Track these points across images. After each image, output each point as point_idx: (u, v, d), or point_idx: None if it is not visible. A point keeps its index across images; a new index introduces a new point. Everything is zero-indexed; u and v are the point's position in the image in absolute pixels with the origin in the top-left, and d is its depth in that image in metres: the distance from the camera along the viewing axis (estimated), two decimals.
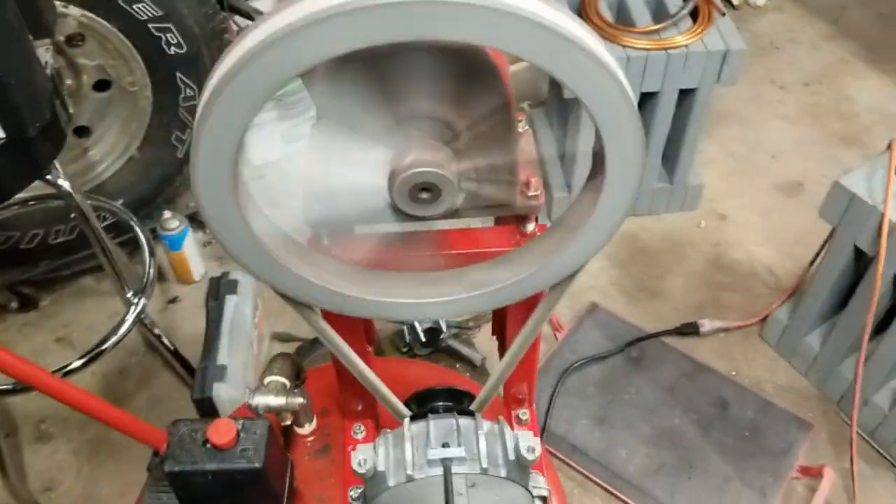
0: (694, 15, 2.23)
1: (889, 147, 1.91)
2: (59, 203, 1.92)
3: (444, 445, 0.81)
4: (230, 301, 2.06)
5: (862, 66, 3.17)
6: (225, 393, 1.85)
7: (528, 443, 0.79)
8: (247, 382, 1.95)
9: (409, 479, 0.81)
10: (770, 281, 2.47)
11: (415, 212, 0.69)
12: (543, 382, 2.16)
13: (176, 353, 2.08)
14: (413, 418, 0.86)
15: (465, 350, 2.26)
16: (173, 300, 2.45)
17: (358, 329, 0.92)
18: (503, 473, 0.82)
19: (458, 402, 0.91)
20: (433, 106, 0.69)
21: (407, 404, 0.92)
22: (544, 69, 0.60)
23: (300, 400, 0.98)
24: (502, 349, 1.07)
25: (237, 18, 2.57)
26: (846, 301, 2.07)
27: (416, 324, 2.24)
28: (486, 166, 0.73)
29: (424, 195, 0.68)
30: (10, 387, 1.72)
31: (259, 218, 0.66)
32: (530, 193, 0.81)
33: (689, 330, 2.31)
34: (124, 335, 1.84)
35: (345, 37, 0.54)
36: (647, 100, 2.35)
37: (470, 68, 0.69)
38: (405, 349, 2.27)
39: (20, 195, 2.11)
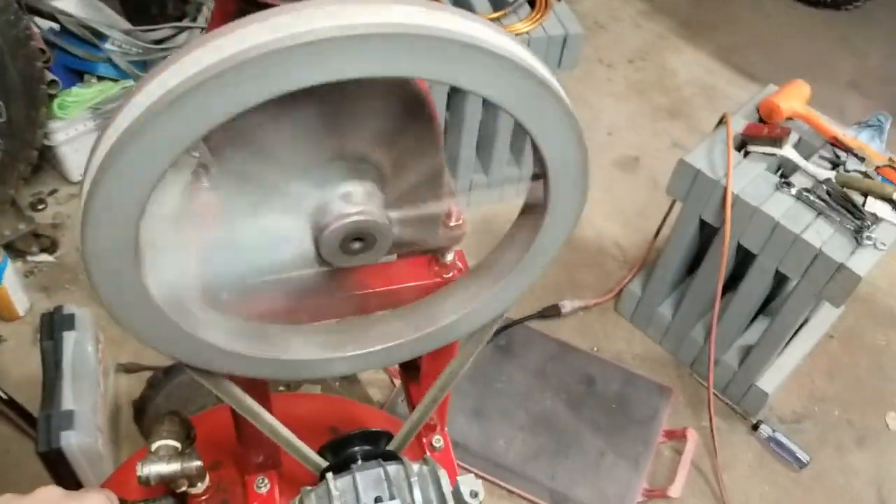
0: (531, 2, 2.25)
1: (722, 121, 2.02)
2: None
3: (378, 500, 0.75)
4: (68, 338, 1.86)
5: (679, 41, 3.36)
6: (76, 441, 1.67)
7: (471, 487, 0.74)
8: (98, 426, 1.77)
9: None
10: (618, 255, 2.57)
11: (343, 263, 0.62)
12: None
13: (10, 402, 1.85)
14: (331, 469, 0.80)
15: None
16: None
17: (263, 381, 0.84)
18: None
19: (376, 444, 0.85)
20: (360, 146, 0.62)
21: (321, 454, 0.85)
22: (483, 96, 0.55)
23: (197, 463, 0.88)
24: (410, 394, 1.02)
25: (38, 20, 2.31)
26: (693, 270, 2.19)
27: None
28: (415, 209, 0.67)
29: (356, 245, 0.61)
30: None
31: (160, 284, 0.57)
32: (452, 224, 0.75)
33: (551, 312, 2.36)
34: None
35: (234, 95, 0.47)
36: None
37: (401, 101, 0.62)
38: None
39: None
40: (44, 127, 2.20)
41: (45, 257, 2.35)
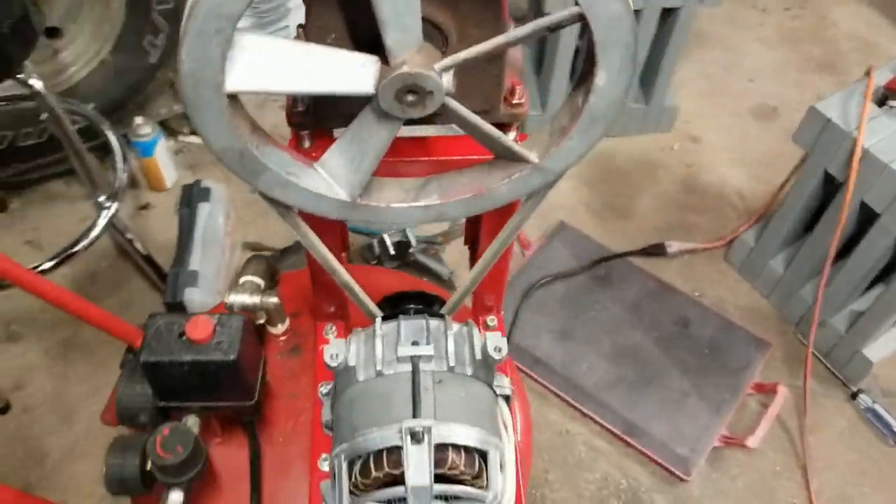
0: None
1: (867, 73, 1.92)
2: (28, 105, 1.88)
3: (414, 344, 0.83)
4: (203, 208, 2.06)
5: None
6: (197, 298, 1.87)
7: (496, 343, 0.81)
8: (218, 288, 1.96)
9: (379, 374, 0.84)
10: (738, 204, 2.51)
11: (400, 114, 0.69)
12: (509, 298, 2.21)
13: (148, 259, 2.08)
14: (384, 319, 0.89)
15: (433, 264, 2.29)
16: (145, 207, 2.43)
17: (335, 232, 0.93)
18: (469, 372, 0.85)
19: (429, 305, 0.93)
20: (425, 6, 0.67)
21: (379, 307, 0.94)
22: None
23: (273, 300, 1.00)
24: (473, 258, 1.09)
25: None
26: (812, 226, 2.12)
27: (386, 237, 2.26)
28: (474, 72, 0.72)
29: (411, 97, 0.67)
30: None
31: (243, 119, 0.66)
32: (514, 101, 0.80)
33: (655, 251, 2.35)
34: (95, 238, 1.84)
35: None
36: None
37: None
38: (374, 262, 2.29)
39: None
40: None
41: (194, 139, 2.57)
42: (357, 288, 0.90)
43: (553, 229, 2.40)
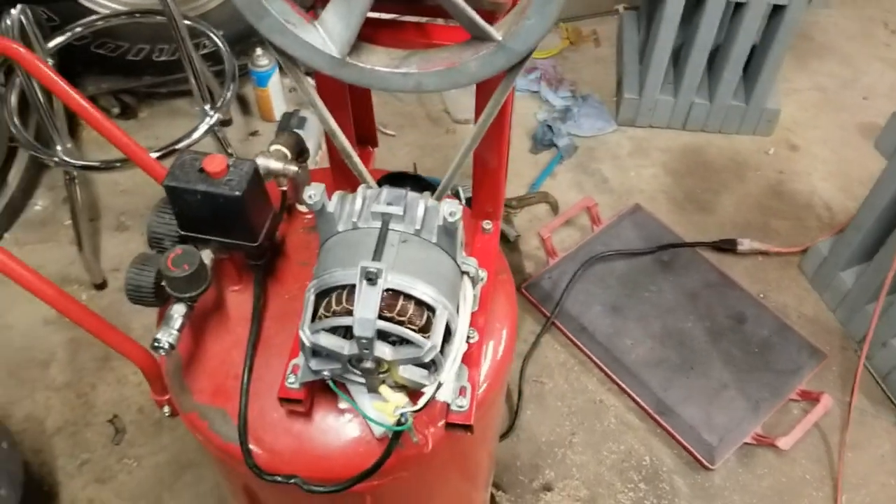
0: None
1: None
2: (164, 21, 2.11)
3: (389, 203, 0.94)
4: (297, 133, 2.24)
5: None
6: None
7: (451, 209, 0.91)
8: None
9: (354, 226, 0.95)
10: (824, 216, 2.46)
11: None
12: (568, 266, 2.27)
13: None
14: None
15: (501, 224, 2.37)
16: (254, 133, 2.66)
17: (343, 107, 1.06)
18: (433, 240, 0.95)
19: (423, 190, 1.04)
20: None
21: (379, 183, 1.05)
22: None
23: (294, 168, 1.14)
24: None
25: None
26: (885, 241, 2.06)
27: (461, 190, 2.37)
28: None
29: None
30: (98, 164, 1.97)
31: None
32: None
33: (726, 246, 2.34)
34: (196, 140, 2.05)
35: None
36: (736, 10, 2.34)
37: None
38: None
39: (122, 7, 2.34)
40: None
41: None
42: (355, 156, 1.02)
43: (626, 210, 2.43)
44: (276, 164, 1.13)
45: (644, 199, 2.48)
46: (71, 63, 2.39)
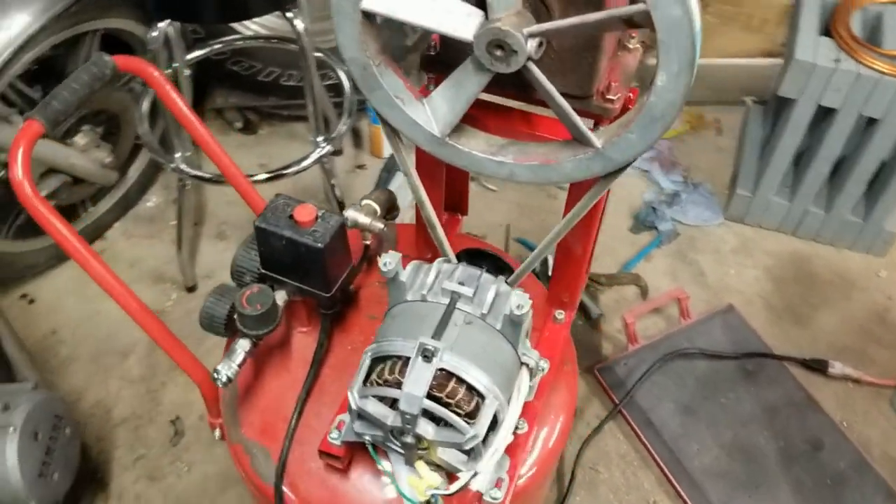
0: None
1: None
2: (294, 49, 2.20)
3: (460, 284, 0.94)
4: (398, 177, 2.29)
5: None
6: None
7: (519, 301, 0.90)
8: None
9: (423, 298, 0.96)
10: None
11: (489, 65, 0.80)
12: (647, 355, 2.21)
13: (341, 205, 2.35)
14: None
15: (586, 299, 2.34)
16: (361, 166, 2.73)
17: (437, 181, 1.08)
18: (498, 326, 0.94)
19: (499, 271, 1.03)
20: None
21: (458, 257, 1.06)
22: None
23: (381, 225, 1.15)
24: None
25: None
26: None
27: (550, 256, 2.35)
28: (570, 56, 0.81)
29: (499, 52, 0.78)
30: (210, 176, 2.05)
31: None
32: (608, 96, 0.88)
33: (817, 366, 2.22)
34: (304, 168, 2.12)
35: None
36: (868, 125, 2.25)
37: None
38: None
39: (264, 31, 2.45)
40: None
41: None
42: (439, 228, 1.02)
43: (719, 309, 2.35)
44: (364, 219, 1.16)
45: (740, 300, 2.39)
46: (206, 74, 2.53)
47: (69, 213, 2.37)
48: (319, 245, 1.00)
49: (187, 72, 2.22)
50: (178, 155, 2.04)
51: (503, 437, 0.95)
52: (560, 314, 1.16)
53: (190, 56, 2.22)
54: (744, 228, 2.60)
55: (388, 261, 0.93)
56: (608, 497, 2.02)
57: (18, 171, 1.00)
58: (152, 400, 2.18)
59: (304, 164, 2.12)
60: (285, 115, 2.77)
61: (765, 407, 2.14)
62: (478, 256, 1.09)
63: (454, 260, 1.05)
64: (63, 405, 1.64)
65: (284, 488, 1.07)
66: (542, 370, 1.07)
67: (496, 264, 1.07)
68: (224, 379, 1.03)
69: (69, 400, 2.15)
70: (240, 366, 1.04)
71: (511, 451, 1.02)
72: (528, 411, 1.06)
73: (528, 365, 0.98)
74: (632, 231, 2.60)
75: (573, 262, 1.09)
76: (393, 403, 0.92)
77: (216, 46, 2.29)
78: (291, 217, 1.02)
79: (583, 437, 2.10)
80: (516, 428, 1.04)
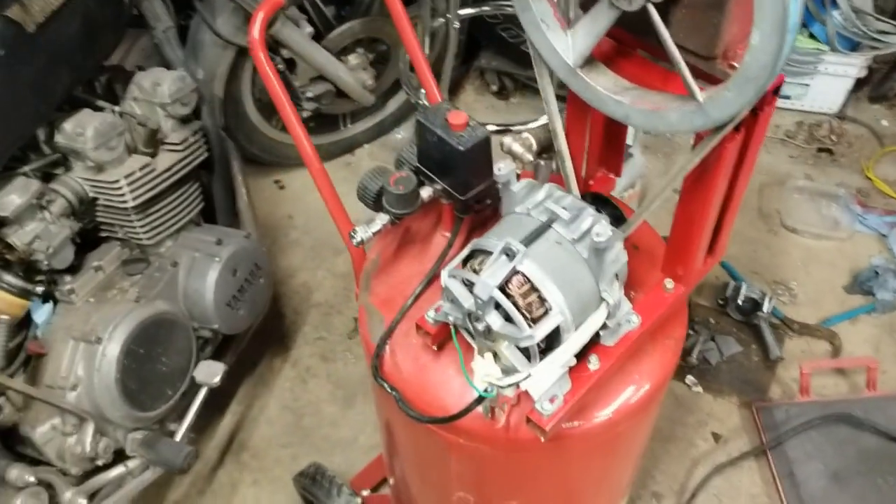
0: None
1: None
2: None
3: (565, 209, 1.04)
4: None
5: None
6: None
7: (601, 229, 0.98)
8: None
9: (528, 212, 1.07)
10: None
11: (616, 1, 0.88)
12: (813, 410, 2.09)
13: None
14: None
15: (769, 337, 2.25)
16: None
17: (583, 120, 1.18)
18: (585, 255, 1.03)
19: (617, 222, 1.10)
20: None
21: (583, 197, 1.15)
22: None
23: (529, 158, 1.27)
24: None
25: None
26: None
27: (744, 286, 2.29)
28: (697, 14, 0.86)
29: None
30: None
31: None
32: (732, 63, 0.91)
33: None
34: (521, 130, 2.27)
35: None
36: None
37: None
38: (721, 304, 2.36)
39: None
40: None
41: None
42: (568, 161, 1.12)
43: None
44: (518, 148, 1.28)
45: None
46: (476, 34, 2.77)
47: (331, 123, 2.74)
48: (461, 148, 1.14)
49: (457, 24, 2.47)
50: (423, 91, 2.30)
51: (564, 353, 1.03)
52: (670, 283, 1.19)
53: (462, 12, 2.46)
54: None
55: (502, 167, 1.04)
56: None
57: (255, 31, 1.24)
58: (346, 296, 2.47)
59: (524, 126, 2.28)
60: (538, 90, 2.93)
61: None
62: (600, 201, 1.16)
63: (577, 194, 1.14)
64: (265, 259, 1.95)
65: (384, 350, 1.23)
66: (630, 323, 1.12)
67: (615, 214, 1.14)
68: (358, 239, 1.21)
69: (284, 274, 2.52)
70: (374, 234, 1.22)
71: (576, 380, 1.10)
72: (603, 352, 1.12)
73: (606, 302, 1.05)
74: (846, 290, 2.44)
75: (688, 232, 1.12)
76: (473, 289, 1.05)
77: (485, 8, 2.50)
78: (446, 120, 1.17)
79: (717, 463, 2.05)
80: (588, 361, 1.11)
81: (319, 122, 2.68)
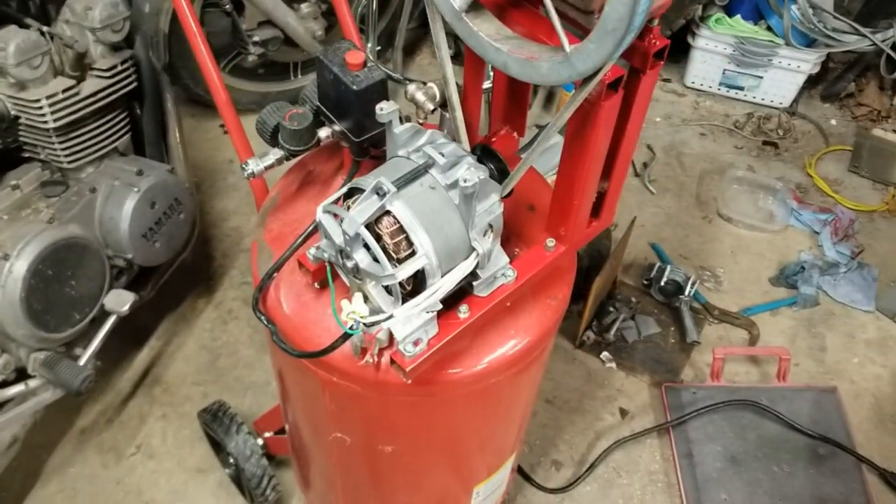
0: None
1: None
2: None
3: (441, 155, 1.04)
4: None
5: None
6: None
7: (467, 174, 0.99)
8: None
9: (408, 156, 1.08)
10: None
11: None
12: (720, 395, 2.14)
13: None
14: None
15: (688, 321, 2.29)
16: (538, 126, 2.83)
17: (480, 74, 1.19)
18: (456, 201, 1.04)
19: (502, 177, 1.11)
20: None
21: (473, 149, 1.16)
22: None
23: (431, 107, 1.27)
24: None
25: None
26: None
27: (669, 268, 2.32)
28: None
29: None
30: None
31: None
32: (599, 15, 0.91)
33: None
34: None
35: None
36: None
37: None
38: (644, 284, 2.39)
39: None
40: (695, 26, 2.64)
41: None
42: (459, 111, 1.13)
43: (821, 387, 2.20)
44: (420, 96, 1.28)
45: (848, 389, 2.22)
46: None
47: (281, 71, 2.72)
48: (354, 87, 1.14)
49: None
50: (369, 45, 2.29)
51: (427, 296, 1.05)
52: (550, 242, 1.20)
53: None
54: (891, 326, 2.38)
55: (385, 107, 1.05)
56: (617, 503, 2.01)
57: None
58: None
59: None
60: None
61: (817, 495, 1.99)
62: (488, 154, 1.17)
63: (466, 145, 1.15)
64: (187, 195, 1.94)
65: (270, 286, 1.25)
66: (506, 277, 1.14)
67: (500, 168, 1.15)
68: (249, 171, 1.21)
69: (218, 217, 2.52)
70: (266, 168, 1.22)
71: (444, 326, 1.11)
72: (475, 303, 1.13)
73: (478, 252, 1.06)
74: (771, 282, 2.48)
75: (569, 192, 1.13)
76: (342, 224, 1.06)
77: None
78: (344, 59, 1.17)
79: (620, 437, 2.09)
80: (459, 310, 1.12)
81: (269, 70, 2.66)
